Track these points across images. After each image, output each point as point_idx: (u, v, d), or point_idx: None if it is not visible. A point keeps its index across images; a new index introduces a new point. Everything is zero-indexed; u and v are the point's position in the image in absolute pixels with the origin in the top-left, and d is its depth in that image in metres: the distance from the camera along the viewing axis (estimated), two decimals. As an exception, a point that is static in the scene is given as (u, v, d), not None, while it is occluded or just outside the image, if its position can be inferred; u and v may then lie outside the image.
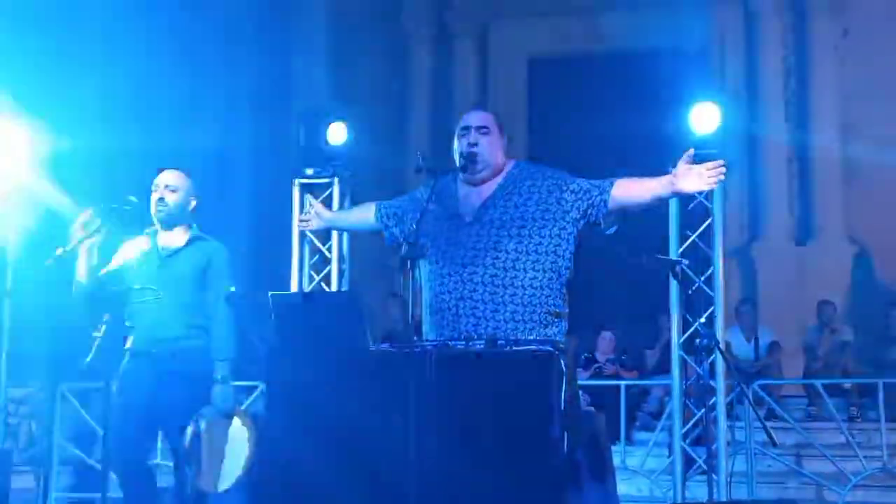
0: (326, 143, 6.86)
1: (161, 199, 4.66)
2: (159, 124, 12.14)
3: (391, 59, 12.11)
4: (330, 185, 6.94)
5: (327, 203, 6.93)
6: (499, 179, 4.14)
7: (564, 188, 4.08)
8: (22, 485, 7.25)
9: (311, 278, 6.93)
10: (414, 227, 3.91)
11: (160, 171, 4.78)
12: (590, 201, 4.05)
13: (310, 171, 6.93)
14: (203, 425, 4.38)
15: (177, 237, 4.70)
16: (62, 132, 6.66)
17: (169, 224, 4.70)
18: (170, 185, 4.70)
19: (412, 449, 3.43)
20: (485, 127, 4.14)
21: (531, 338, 3.85)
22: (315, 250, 7.03)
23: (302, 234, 6.98)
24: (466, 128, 4.15)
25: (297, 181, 6.96)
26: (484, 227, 4.01)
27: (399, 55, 12.10)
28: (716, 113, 6.55)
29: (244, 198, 11.78)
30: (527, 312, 3.96)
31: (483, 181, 4.13)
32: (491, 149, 4.12)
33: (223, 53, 12.09)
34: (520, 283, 3.94)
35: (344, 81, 11.60)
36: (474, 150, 4.08)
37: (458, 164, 4.10)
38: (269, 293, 3.76)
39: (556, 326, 4.06)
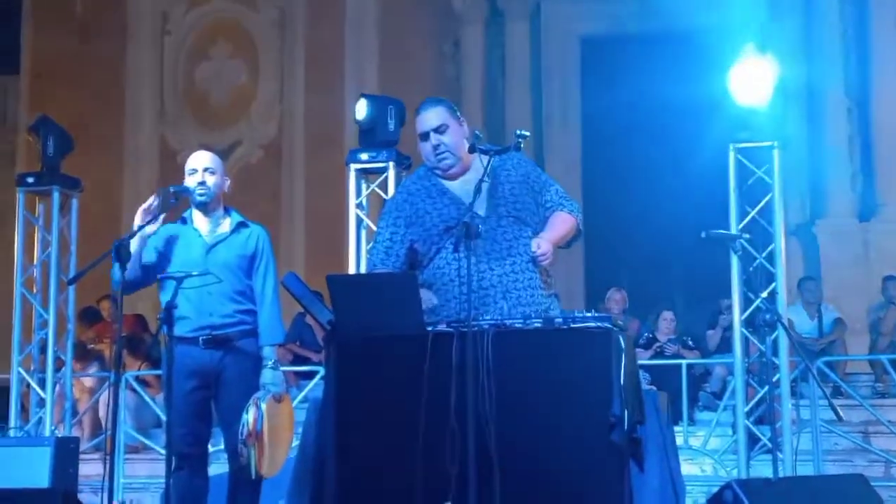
0: (382, 128, 6.86)
1: (202, 183, 4.53)
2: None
3: (443, 41, 12.09)
4: (385, 169, 6.94)
5: (383, 188, 6.94)
6: (489, 168, 4.02)
7: (544, 189, 4.14)
8: (90, 472, 7.38)
9: (368, 263, 6.94)
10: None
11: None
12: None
13: (365, 156, 6.93)
14: (264, 408, 4.33)
15: (218, 222, 4.60)
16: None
17: (209, 207, 4.58)
18: (209, 168, 4.57)
19: (471, 428, 3.43)
20: (441, 125, 4.05)
21: (588, 314, 3.82)
22: (371, 235, 7.03)
23: (358, 220, 6.99)
24: (424, 134, 4.07)
25: (352, 166, 6.97)
26: (502, 219, 4.01)
27: (451, 38, 12.07)
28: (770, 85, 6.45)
29: (299, 183, 11.85)
30: (545, 293, 4.04)
31: (458, 175, 4.09)
32: (455, 144, 4.06)
33: (276, 41, 12.18)
34: (536, 267, 4.01)
35: (396, 65, 11.61)
36: (442, 155, 4.04)
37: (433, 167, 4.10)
38: (328, 274, 3.77)
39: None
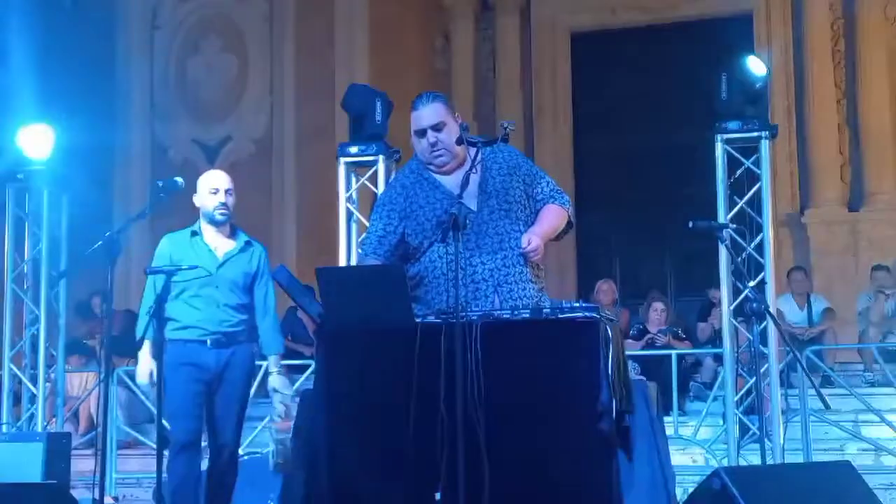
0: (370, 121, 6.88)
1: (224, 204, 4.80)
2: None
3: (433, 35, 12.08)
4: (374, 163, 6.96)
5: (373, 181, 6.96)
6: (478, 161, 3.99)
7: (535, 182, 4.11)
8: (83, 468, 7.39)
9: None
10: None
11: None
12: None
13: (354, 150, 6.96)
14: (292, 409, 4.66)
15: (227, 238, 4.87)
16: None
17: (223, 226, 4.85)
18: (229, 189, 4.85)
19: (460, 419, 3.45)
20: (439, 123, 3.99)
21: (576, 305, 3.84)
22: (362, 228, 7.05)
23: (349, 213, 7.01)
24: (421, 131, 4.00)
25: (342, 160, 7.00)
26: (493, 212, 3.99)
27: (441, 32, 12.07)
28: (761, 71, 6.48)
29: (290, 176, 11.85)
30: (538, 286, 4.03)
31: (452, 170, 4.06)
32: (451, 141, 3.99)
33: (266, 35, 12.15)
34: (526, 261, 3.98)
35: (386, 59, 11.61)
36: (438, 152, 3.99)
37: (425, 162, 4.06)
38: (316, 267, 3.77)
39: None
